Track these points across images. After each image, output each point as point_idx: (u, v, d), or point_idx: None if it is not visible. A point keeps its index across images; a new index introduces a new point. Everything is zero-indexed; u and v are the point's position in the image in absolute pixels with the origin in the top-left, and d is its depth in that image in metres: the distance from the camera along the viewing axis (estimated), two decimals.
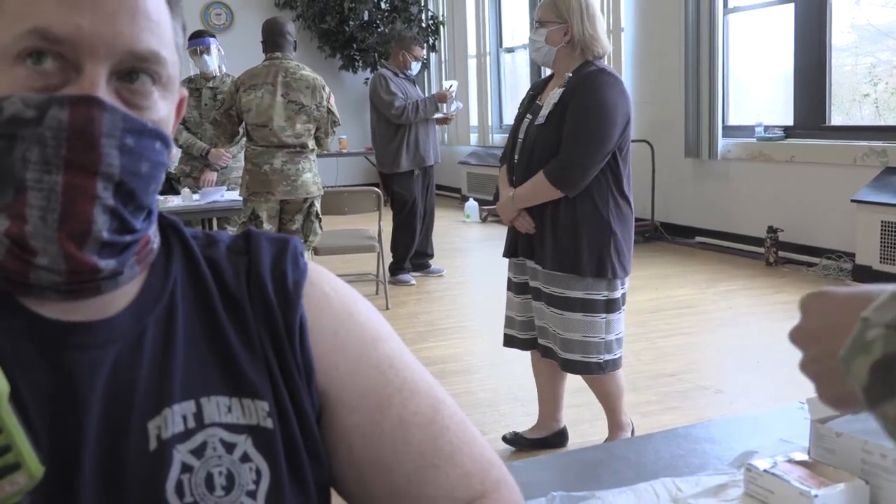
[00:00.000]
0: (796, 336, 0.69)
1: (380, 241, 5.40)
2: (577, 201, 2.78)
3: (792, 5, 6.31)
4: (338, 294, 0.87)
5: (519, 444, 3.20)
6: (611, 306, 2.84)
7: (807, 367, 0.68)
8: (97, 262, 0.71)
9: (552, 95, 2.81)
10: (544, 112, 2.80)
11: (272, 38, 4.61)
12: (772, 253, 6.26)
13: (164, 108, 0.74)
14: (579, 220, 2.78)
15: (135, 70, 0.71)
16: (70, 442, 0.70)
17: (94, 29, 0.68)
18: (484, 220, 9.28)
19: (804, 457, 1.15)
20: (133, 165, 0.70)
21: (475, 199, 9.78)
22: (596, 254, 2.78)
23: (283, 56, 4.54)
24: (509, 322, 3.14)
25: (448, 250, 7.61)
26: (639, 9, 7.67)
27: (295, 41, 4.71)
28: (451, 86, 6.37)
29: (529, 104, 2.98)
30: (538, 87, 3.03)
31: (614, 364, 2.90)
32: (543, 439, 3.21)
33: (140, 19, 0.71)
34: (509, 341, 3.16)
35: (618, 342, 2.90)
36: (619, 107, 2.77)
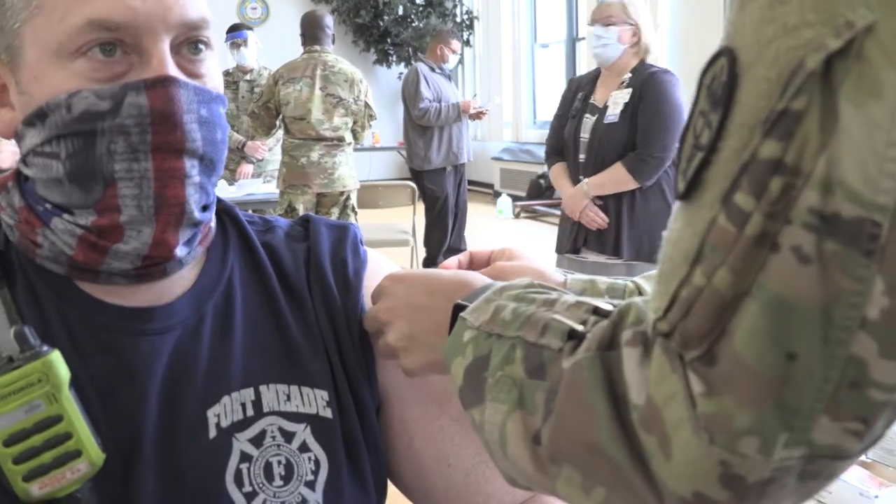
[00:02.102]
0: (379, 315, 0.75)
1: (414, 235, 5.40)
2: (649, 195, 2.94)
3: None
4: None
5: None
6: None
7: (391, 343, 0.74)
8: (179, 249, 0.72)
9: (617, 96, 2.94)
10: (614, 111, 2.93)
11: (311, 32, 4.62)
12: None
13: (217, 72, 0.74)
14: (652, 213, 2.93)
15: (190, 40, 0.70)
16: (130, 429, 0.70)
17: (147, 8, 0.66)
18: (517, 215, 9.25)
19: (861, 457, 1.14)
20: (211, 135, 0.70)
21: (508, 195, 9.74)
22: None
23: (321, 49, 4.54)
24: None
25: (480, 246, 7.60)
26: (678, 7, 7.60)
27: (333, 35, 4.71)
28: (489, 101, 6.49)
29: (584, 104, 3.06)
30: (586, 86, 3.12)
31: None
32: None
33: None
34: None
35: None
36: (685, 105, 2.89)
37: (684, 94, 2.95)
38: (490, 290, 0.65)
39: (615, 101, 2.94)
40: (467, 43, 11.80)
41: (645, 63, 2.98)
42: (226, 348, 0.76)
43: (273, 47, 8.35)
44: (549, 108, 10.65)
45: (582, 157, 3.03)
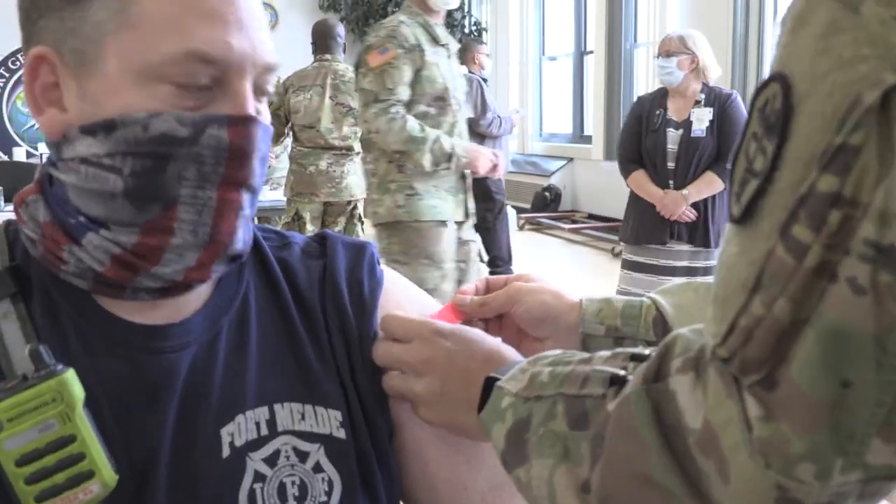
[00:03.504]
0: (412, 361, 0.76)
1: None
2: (725, 193, 3.57)
3: None
4: (413, 303, 0.86)
5: None
6: None
7: (418, 392, 0.74)
8: (214, 272, 0.73)
9: (699, 113, 3.59)
10: (699, 126, 3.58)
11: (323, 41, 4.63)
12: None
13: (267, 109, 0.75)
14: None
15: (262, 82, 0.72)
16: (145, 449, 0.69)
17: (240, 46, 0.68)
18: (521, 228, 9.25)
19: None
20: (263, 171, 0.73)
21: (512, 207, 9.73)
22: None
23: (332, 58, 4.55)
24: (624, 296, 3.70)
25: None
26: (687, 17, 7.61)
27: (344, 44, 4.73)
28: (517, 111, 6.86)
29: (664, 120, 3.66)
30: (656, 105, 3.74)
31: None
32: None
33: (265, 31, 0.72)
34: None
35: None
36: None
37: None
38: (524, 361, 0.67)
39: (699, 118, 3.57)
40: None
41: (707, 85, 3.64)
42: (241, 365, 0.75)
43: (282, 54, 8.31)
44: (555, 121, 10.67)
45: (671, 164, 3.61)
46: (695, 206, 3.59)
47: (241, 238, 0.72)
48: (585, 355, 0.62)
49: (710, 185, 3.58)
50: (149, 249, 0.69)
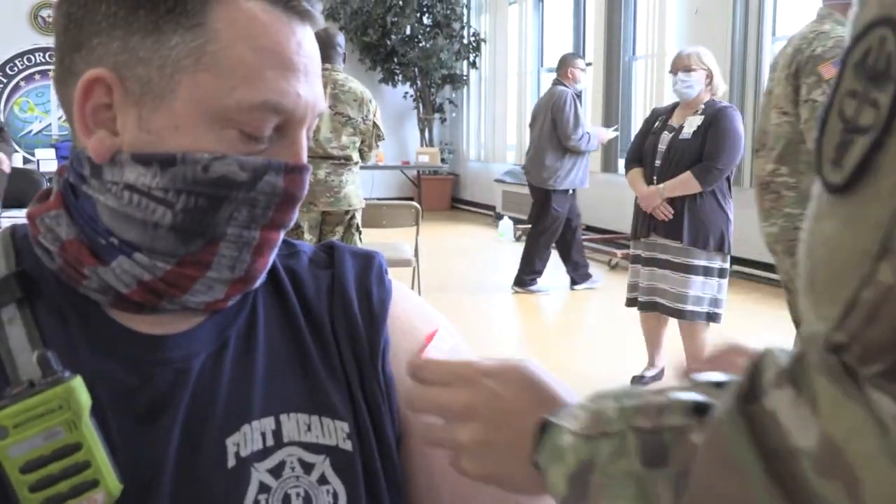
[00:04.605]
0: (455, 406, 0.66)
1: (416, 256, 5.39)
2: (707, 197, 3.82)
3: None
4: (421, 315, 0.85)
5: (640, 381, 4.11)
6: (723, 273, 3.90)
7: (461, 441, 0.65)
8: (232, 300, 0.75)
9: (692, 120, 3.88)
10: (688, 130, 3.87)
11: (323, 50, 4.53)
12: None
13: None
14: (707, 211, 3.83)
15: (312, 124, 0.73)
16: (150, 458, 0.69)
17: (306, 96, 0.69)
18: (518, 238, 9.26)
19: None
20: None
21: (510, 217, 9.75)
22: (718, 237, 3.83)
23: (332, 68, 4.56)
24: (632, 288, 4.12)
25: (481, 268, 7.59)
26: (686, 33, 7.65)
27: (344, 53, 4.73)
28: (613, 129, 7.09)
29: (664, 125, 4.00)
30: (664, 113, 4.10)
31: (717, 317, 3.90)
32: (655, 375, 4.19)
33: (320, 80, 0.73)
34: (631, 303, 4.15)
35: (723, 302, 3.92)
36: (743, 134, 4.00)
37: (741, 125, 3.95)
38: (583, 398, 0.59)
39: (690, 123, 3.88)
40: (473, 65, 11.87)
41: (713, 100, 3.94)
42: (247, 375, 0.74)
43: None
44: None
45: (657, 163, 3.91)
46: (672, 204, 3.83)
47: (265, 272, 0.74)
48: (655, 387, 0.56)
49: (684, 183, 3.81)
50: (182, 278, 0.70)
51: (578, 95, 6.57)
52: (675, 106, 4.08)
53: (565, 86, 6.29)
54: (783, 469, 0.41)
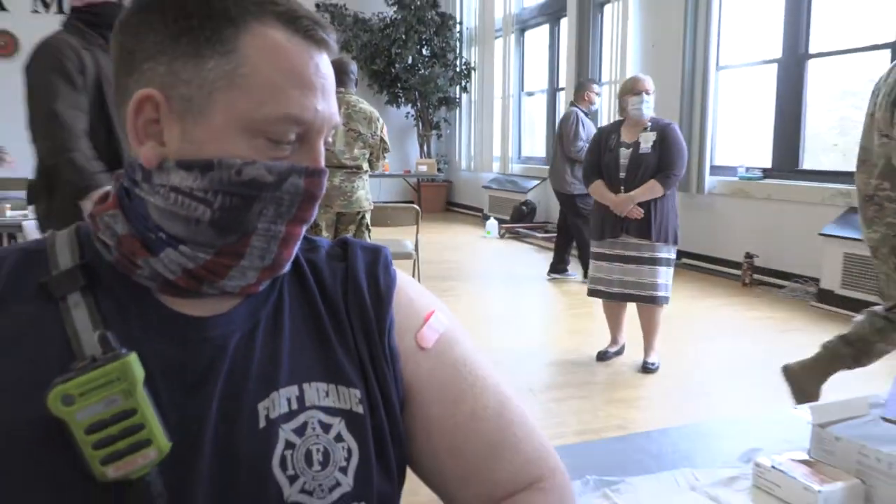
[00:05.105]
0: None
1: (416, 250, 5.38)
2: (665, 199, 3.89)
3: (775, 65, 6.26)
4: (420, 299, 0.85)
5: (604, 357, 4.15)
6: (671, 262, 3.97)
7: None
8: (262, 285, 0.76)
9: (646, 136, 3.91)
10: (646, 146, 3.89)
11: (337, 76, 4.59)
12: (748, 275, 6.19)
13: None
14: (668, 210, 3.91)
15: (329, 135, 0.73)
16: (194, 420, 0.68)
17: (323, 110, 0.70)
18: (502, 236, 9.25)
19: (804, 456, 1.12)
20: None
21: (495, 218, 9.74)
22: (674, 231, 3.93)
23: (346, 91, 4.54)
24: (598, 281, 4.04)
25: (471, 262, 7.59)
26: (643, 63, 7.65)
27: (356, 79, 4.71)
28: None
29: (618, 142, 3.97)
30: (612, 132, 4.03)
31: (669, 299, 3.98)
32: (618, 351, 4.21)
33: (335, 97, 0.73)
34: (593, 293, 4.09)
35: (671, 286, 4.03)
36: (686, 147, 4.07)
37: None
38: None
39: (646, 139, 3.91)
40: (465, 89, 11.83)
41: (655, 116, 3.98)
42: (275, 350, 0.74)
43: None
44: (532, 146, 10.67)
45: (622, 174, 3.91)
46: (642, 207, 3.87)
47: (289, 261, 0.74)
48: None
49: (651, 189, 3.86)
50: (219, 267, 0.70)
51: (593, 114, 6.53)
52: (618, 124, 4.05)
53: (578, 107, 6.26)
54: None
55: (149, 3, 0.69)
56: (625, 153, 3.94)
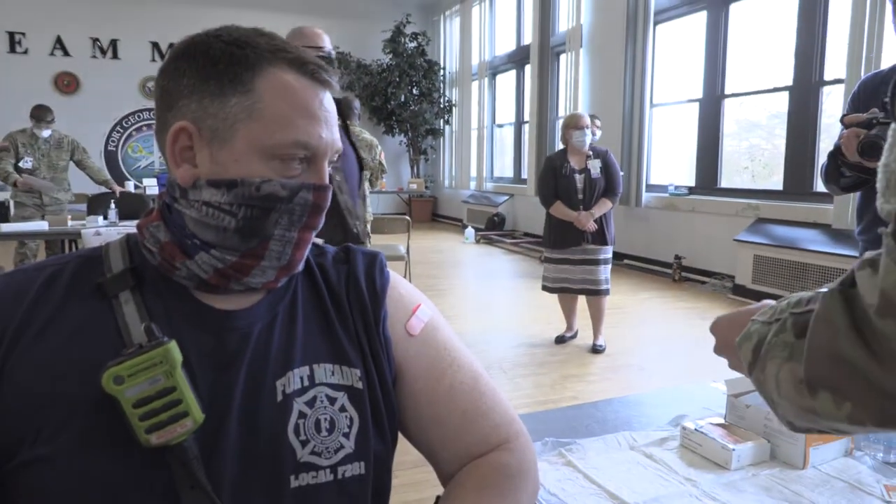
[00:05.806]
0: (714, 331, 0.77)
1: (408, 254, 5.37)
2: (609, 212, 3.95)
3: (697, 104, 6.31)
4: (409, 295, 0.85)
5: (562, 340, 4.15)
6: (610, 261, 4.00)
7: (717, 350, 0.75)
8: (280, 282, 0.75)
9: (594, 164, 3.93)
10: (596, 172, 3.92)
11: (343, 111, 4.58)
12: (677, 273, 6.23)
13: None
14: (611, 221, 3.98)
15: (334, 158, 0.73)
16: (224, 396, 0.68)
17: (326, 137, 0.69)
18: (478, 242, 9.24)
19: (721, 421, 1.13)
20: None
21: (472, 227, 9.74)
22: (614, 235, 3.99)
23: (350, 123, 4.52)
24: (563, 280, 4.01)
25: (452, 262, 7.58)
26: (592, 100, 7.68)
27: (359, 114, 4.69)
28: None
29: (570, 169, 3.94)
30: (561, 159, 3.99)
31: (609, 291, 4.01)
32: (573, 335, 4.20)
33: (337, 127, 0.72)
34: (561, 290, 4.04)
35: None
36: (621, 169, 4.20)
37: None
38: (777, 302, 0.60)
39: (594, 166, 3.94)
40: (447, 122, 11.83)
41: (594, 145, 3.99)
42: (291, 338, 0.74)
43: None
44: (502, 168, 10.68)
45: (580, 196, 3.92)
46: (596, 220, 3.93)
47: (302, 262, 0.74)
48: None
49: (605, 205, 3.93)
50: (244, 267, 0.70)
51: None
52: (563, 153, 4.00)
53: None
54: (861, 321, 0.43)
55: (184, 52, 0.69)
56: (579, 178, 3.96)
